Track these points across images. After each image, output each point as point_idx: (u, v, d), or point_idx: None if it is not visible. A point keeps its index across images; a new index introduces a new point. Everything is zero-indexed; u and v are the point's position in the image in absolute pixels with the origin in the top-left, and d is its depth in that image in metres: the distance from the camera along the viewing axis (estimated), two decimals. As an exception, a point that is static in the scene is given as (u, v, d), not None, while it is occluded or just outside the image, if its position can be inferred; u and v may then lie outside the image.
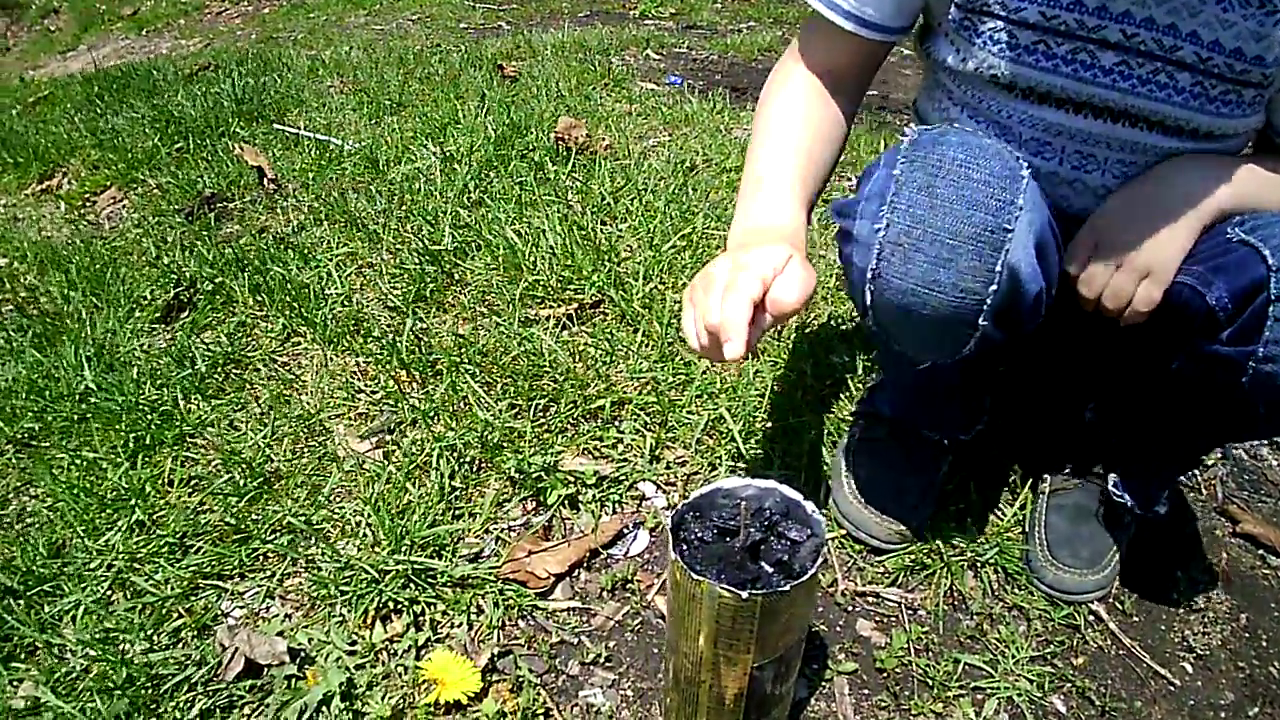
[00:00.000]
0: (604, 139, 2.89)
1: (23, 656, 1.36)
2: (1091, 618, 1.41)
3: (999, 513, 1.55)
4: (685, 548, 0.98)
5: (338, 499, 1.61)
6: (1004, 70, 1.13)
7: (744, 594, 0.88)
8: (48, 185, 3.06)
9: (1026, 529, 1.50)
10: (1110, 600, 1.44)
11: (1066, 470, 1.52)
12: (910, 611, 1.39)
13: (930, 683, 1.29)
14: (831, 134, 1.22)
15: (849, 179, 2.75)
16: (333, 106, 3.31)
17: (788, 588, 0.90)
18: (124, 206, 2.81)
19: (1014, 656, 1.32)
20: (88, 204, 2.88)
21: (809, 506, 0.99)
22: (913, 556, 1.45)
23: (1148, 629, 1.42)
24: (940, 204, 0.99)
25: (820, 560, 0.94)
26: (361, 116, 3.20)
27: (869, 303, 1.08)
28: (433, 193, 2.53)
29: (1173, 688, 1.34)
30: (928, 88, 1.32)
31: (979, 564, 1.45)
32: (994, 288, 1.00)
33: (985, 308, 1.01)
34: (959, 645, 1.35)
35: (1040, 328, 1.18)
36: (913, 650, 1.33)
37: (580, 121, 2.93)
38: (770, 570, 0.96)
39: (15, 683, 1.32)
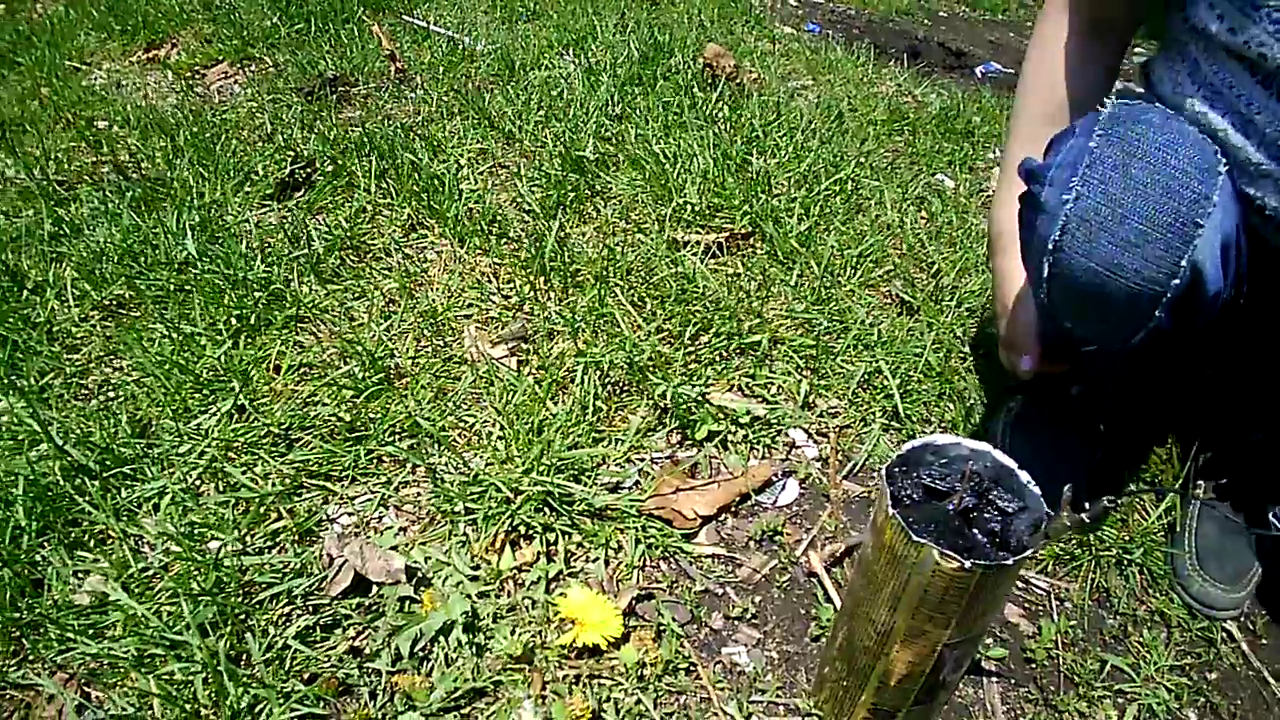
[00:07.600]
0: (751, 72, 2.70)
1: (92, 545, 1.20)
2: (1224, 634, 1.33)
3: (1145, 511, 1.47)
4: (895, 505, 0.87)
5: (467, 406, 1.44)
6: (1275, 53, 1.01)
7: (967, 564, 0.80)
8: (154, 54, 2.91)
9: (1175, 532, 1.43)
10: (1242, 619, 1.36)
11: (1223, 481, 1.45)
12: (1058, 603, 1.32)
13: (1076, 680, 1.22)
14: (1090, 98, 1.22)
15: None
16: (463, 6, 3.18)
17: (1011, 562, 0.81)
18: (236, 82, 2.66)
19: (1155, 664, 1.26)
20: (196, 76, 2.73)
21: (1023, 476, 0.90)
22: (1061, 546, 1.38)
23: (1276, 653, 1.33)
24: (1134, 185, 0.96)
25: (1041, 537, 0.84)
26: (493, 19, 3.06)
27: (1045, 274, 1.05)
28: (574, 101, 2.37)
29: (1297, 717, 1.27)
30: (1168, 55, 1.20)
31: (1125, 562, 1.38)
32: (1176, 281, 0.96)
33: (1164, 300, 0.98)
34: (1104, 644, 1.28)
35: (1224, 343, 1.17)
36: (1060, 643, 1.26)
37: (728, 51, 2.73)
38: (984, 540, 0.88)
39: (81, 574, 1.15)
